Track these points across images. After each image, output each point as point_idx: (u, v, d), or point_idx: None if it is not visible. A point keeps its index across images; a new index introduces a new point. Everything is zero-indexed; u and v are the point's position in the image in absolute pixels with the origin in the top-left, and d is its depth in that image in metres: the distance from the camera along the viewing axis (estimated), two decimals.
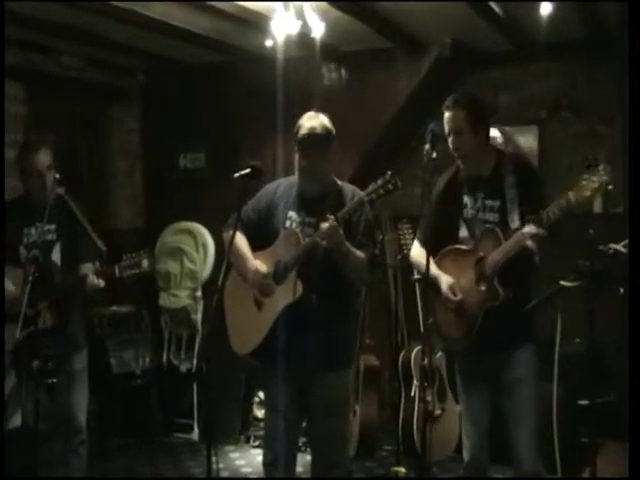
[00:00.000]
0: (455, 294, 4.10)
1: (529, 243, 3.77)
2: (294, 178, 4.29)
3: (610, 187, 3.54)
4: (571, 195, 3.63)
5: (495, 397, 4.16)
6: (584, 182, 3.59)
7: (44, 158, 4.65)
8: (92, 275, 4.52)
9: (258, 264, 4.19)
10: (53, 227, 4.70)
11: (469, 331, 4.05)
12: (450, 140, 4.13)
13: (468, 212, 4.16)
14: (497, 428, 4.17)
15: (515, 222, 3.93)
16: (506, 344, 4.02)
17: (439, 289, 4.16)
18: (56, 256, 4.69)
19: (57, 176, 4.61)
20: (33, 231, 4.68)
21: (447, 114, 4.12)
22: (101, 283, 4.52)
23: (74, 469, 4.75)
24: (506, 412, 4.09)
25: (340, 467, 4.30)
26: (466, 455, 4.27)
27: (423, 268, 4.03)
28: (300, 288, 4.00)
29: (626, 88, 3.65)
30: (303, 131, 4.12)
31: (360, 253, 4.04)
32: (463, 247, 4.16)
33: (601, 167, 3.56)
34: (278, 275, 4.13)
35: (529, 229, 3.77)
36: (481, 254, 4.03)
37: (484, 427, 4.21)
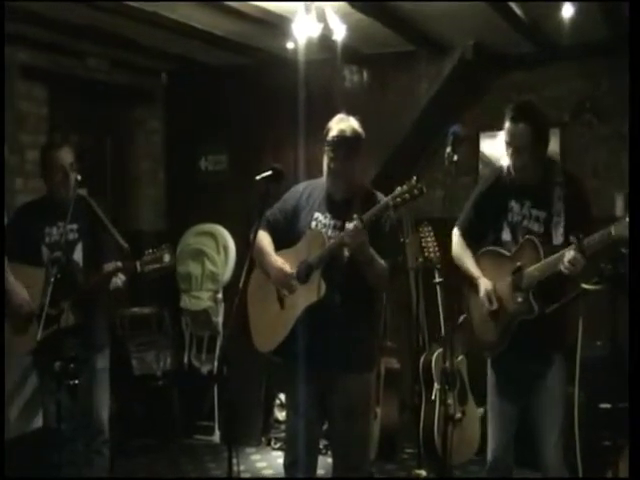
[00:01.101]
0: (492, 302, 4.08)
1: (562, 268, 3.73)
2: (321, 180, 4.30)
3: None
4: (612, 229, 3.59)
5: (523, 402, 4.14)
6: (625, 220, 3.54)
7: (67, 156, 4.68)
8: (113, 270, 4.50)
9: (281, 261, 4.20)
10: (75, 227, 4.69)
11: (502, 339, 4.05)
12: (509, 152, 4.05)
13: (513, 217, 4.11)
14: (520, 431, 4.17)
15: (559, 238, 3.88)
16: (537, 351, 4.00)
17: (477, 289, 4.18)
18: (78, 256, 4.69)
19: (79, 178, 4.63)
20: (55, 231, 4.68)
21: (510, 126, 4.01)
22: (122, 278, 4.52)
23: (98, 469, 4.75)
24: (534, 418, 4.07)
25: (361, 469, 4.29)
26: (490, 456, 4.24)
27: (463, 265, 4.17)
28: (324, 288, 4.00)
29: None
30: (333, 133, 4.12)
31: (382, 261, 4.03)
32: (504, 252, 4.12)
33: None
34: (301, 275, 4.13)
35: (568, 255, 3.72)
36: (519, 263, 4.00)
37: (511, 431, 4.19)
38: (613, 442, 3.67)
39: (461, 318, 4.26)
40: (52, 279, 4.24)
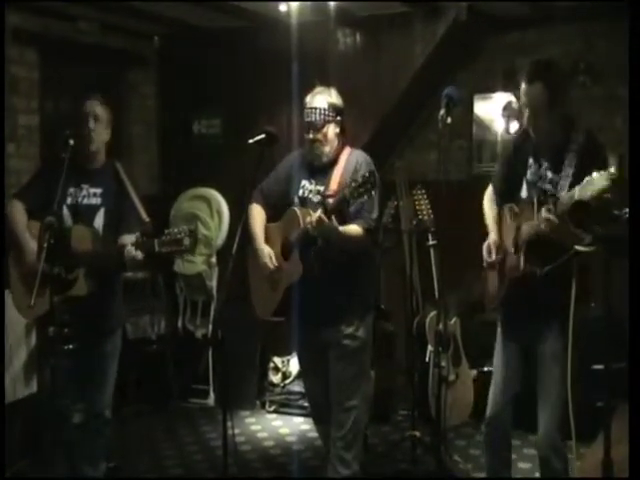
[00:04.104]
0: (490, 254, 4.12)
1: (542, 226, 3.75)
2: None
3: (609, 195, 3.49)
4: (577, 191, 3.59)
5: (524, 364, 4.15)
6: (590, 180, 3.53)
7: (100, 109, 4.52)
8: (130, 246, 4.29)
9: (267, 251, 4.51)
10: (99, 191, 4.55)
11: (499, 292, 4.09)
12: (525, 114, 3.99)
13: (531, 176, 4.07)
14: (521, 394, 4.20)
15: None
16: (535, 312, 3.99)
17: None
18: (98, 222, 4.52)
19: (107, 136, 4.58)
20: (78, 192, 4.52)
21: (526, 86, 3.92)
22: (139, 255, 4.28)
23: (98, 449, 4.70)
24: (534, 380, 4.09)
25: (355, 409, 4.49)
26: (488, 411, 4.26)
27: (486, 221, 4.27)
28: (300, 268, 4.28)
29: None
30: (306, 107, 4.42)
31: (354, 227, 4.29)
32: (516, 209, 4.10)
33: (611, 170, 3.49)
34: (284, 253, 4.42)
35: (543, 214, 3.75)
36: (521, 222, 4.01)
37: (510, 388, 4.19)
38: (606, 403, 3.69)
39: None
40: (45, 245, 4.07)
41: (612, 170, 3.47)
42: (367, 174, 4.02)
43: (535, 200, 3.94)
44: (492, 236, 4.20)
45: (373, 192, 4.10)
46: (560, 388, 3.95)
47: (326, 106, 4.37)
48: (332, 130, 4.41)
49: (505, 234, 4.14)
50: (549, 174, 3.99)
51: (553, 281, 3.81)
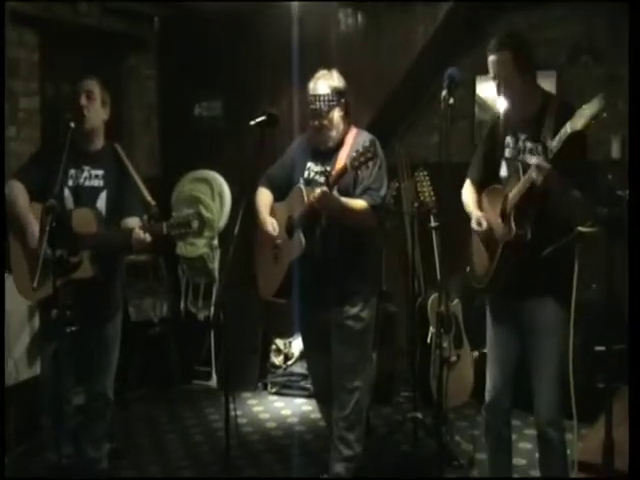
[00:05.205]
0: (480, 224, 4.10)
1: (534, 175, 3.73)
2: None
3: (604, 114, 3.46)
4: (568, 125, 3.58)
5: (520, 344, 4.14)
6: (579, 112, 3.53)
7: (94, 87, 4.55)
8: (138, 229, 4.32)
9: (270, 222, 4.56)
10: (101, 173, 4.55)
11: (489, 268, 4.07)
12: (495, 84, 3.99)
13: (509, 152, 4.08)
14: (519, 374, 4.19)
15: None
16: (530, 290, 3.98)
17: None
18: (101, 204, 4.52)
19: (105, 116, 4.62)
20: (79, 174, 4.53)
21: (491, 57, 3.95)
22: (147, 238, 4.31)
23: (101, 430, 4.75)
24: (529, 360, 4.08)
25: (358, 390, 4.56)
26: (487, 396, 4.26)
27: (467, 207, 4.23)
28: (303, 245, 4.30)
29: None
30: (310, 93, 4.42)
31: (361, 202, 4.31)
32: (499, 187, 4.11)
33: (597, 99, 3.49)
34: (288, 230, 4.46)
35: (533, 160, 3.75)
36: (508, 192, 4.00)
37: (508, 370, 4.18)
38: (607, 384, 3.69)
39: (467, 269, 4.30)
40: (47, 228, 4.05)
41: (601, 97, 3.47)
42: (367, 143, 4.08)
43: (520, 170, 3.93)
44: (477, 212, 4.18)
45: (373, 161, 4.15)
46: (555, 362, 3.96)
47: (329, 91, 4.38)
48: (337, 114, 4.43)
49: (488, 215, 4.14)
50: (529, 144, 3.99)
51: (552, 260, 3.81)
